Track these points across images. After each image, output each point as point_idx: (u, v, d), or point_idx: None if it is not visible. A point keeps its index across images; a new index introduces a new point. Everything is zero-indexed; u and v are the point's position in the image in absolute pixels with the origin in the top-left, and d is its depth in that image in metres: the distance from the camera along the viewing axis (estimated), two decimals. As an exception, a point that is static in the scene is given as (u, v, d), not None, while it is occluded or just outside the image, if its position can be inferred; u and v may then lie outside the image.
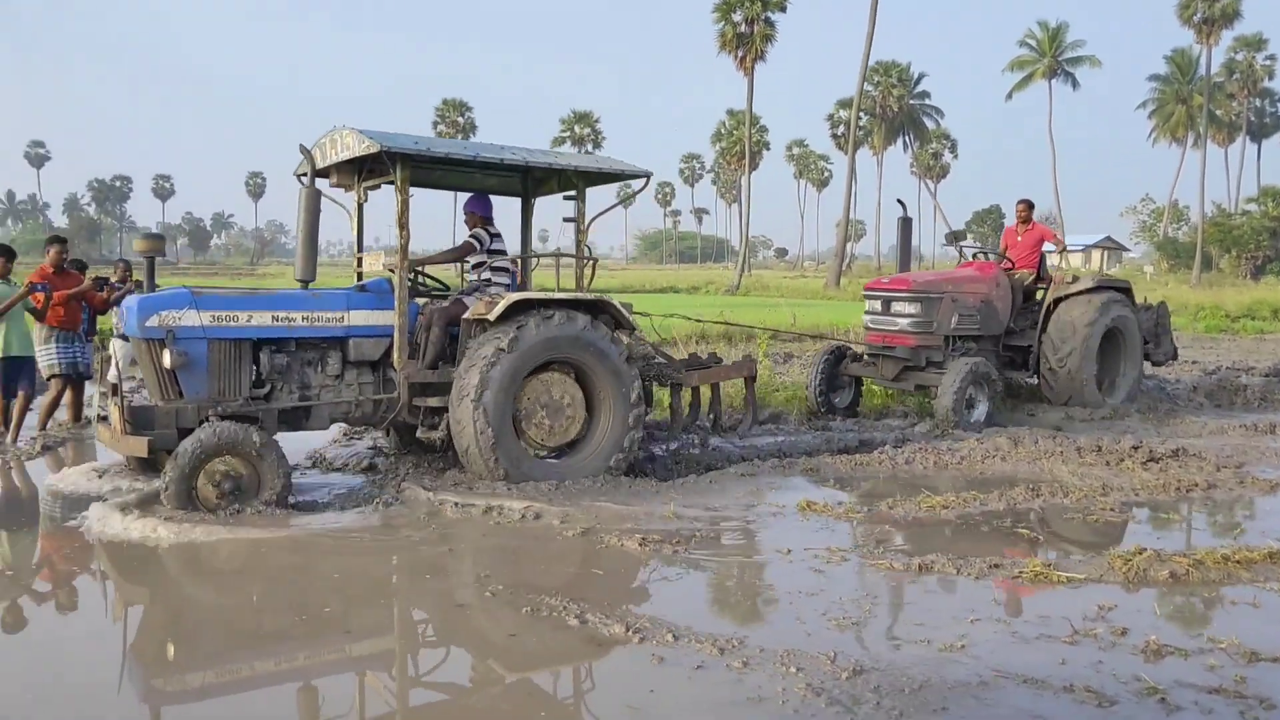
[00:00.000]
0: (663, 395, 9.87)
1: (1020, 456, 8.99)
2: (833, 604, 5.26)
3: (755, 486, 7.96)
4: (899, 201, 12.87)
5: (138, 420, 6.94)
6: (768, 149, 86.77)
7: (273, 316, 7.35)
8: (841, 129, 77.19)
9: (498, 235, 8.56)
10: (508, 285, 8.46)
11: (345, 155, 7.66)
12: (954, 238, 13.16)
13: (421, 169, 8.14)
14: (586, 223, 8.46)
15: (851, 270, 60.62)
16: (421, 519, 6.86)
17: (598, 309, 8.08)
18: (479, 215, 8.59)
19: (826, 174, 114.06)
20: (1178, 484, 7.98)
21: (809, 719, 3.91)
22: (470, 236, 8.47)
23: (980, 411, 10.55)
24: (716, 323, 17.57)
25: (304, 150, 7.69)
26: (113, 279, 11.36)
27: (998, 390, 10.79)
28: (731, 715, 3.99)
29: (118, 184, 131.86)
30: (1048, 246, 12.48)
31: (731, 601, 5.58)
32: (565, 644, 4.77)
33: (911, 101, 79.36)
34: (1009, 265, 12.13)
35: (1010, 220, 12.73)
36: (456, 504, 7.07)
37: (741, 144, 70.48)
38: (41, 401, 10.17)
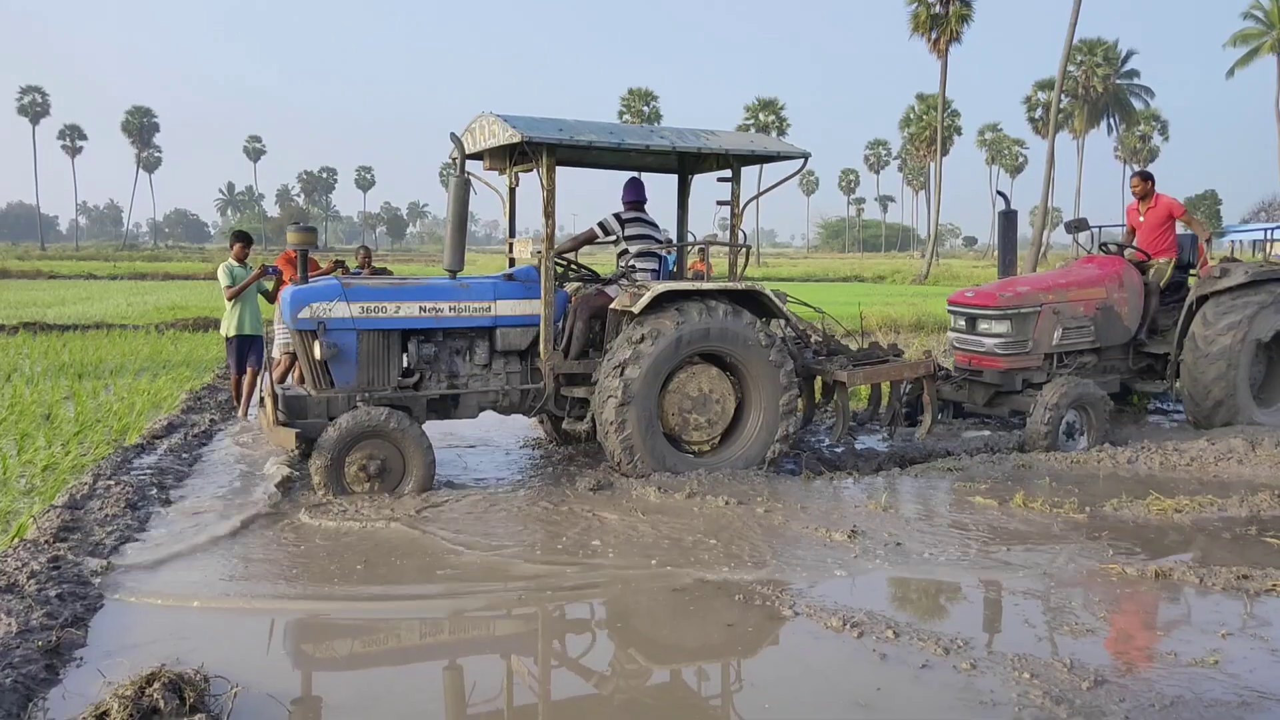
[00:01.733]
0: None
1: (1259, 460, 8.25)
2: (1062, 608, 4.96)
3: (960, 482, 7.64)
4: (1000, 194, 11.44)
5: (291, 409, 7.12)
6: (959, 134, 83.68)
7: (420, 307, 7.39)
8: (1040, 112, 73.50)
9: (637, 220, 8.22)
10: (655, 272, 8.26)
11: (492, 142, 7.59)
12: (1075, 226, 10.91)
13: (576, 153, 7.98)
14: (741, 206, 8.12)
15: (1047, 259, 57.69)
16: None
17: (748, 299, 7.86)
18: (627, 199, 8.37)
19: (1021, 159, 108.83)
20: None
21: (1050, 729, 3.69)
22: (597, 224, 8.26)
23: (1085, 441, 9.00)
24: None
25: (454, 138, 7.62)
26: (352, 265, 11.84)
27: (1107, 413, 9.11)
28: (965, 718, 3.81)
29: (324, 175, 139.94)
30: (1182, 228, 10.27)
31: (951, 600, 5.34)
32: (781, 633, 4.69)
33: (1118, 81, 74.66)
34: (1141, 255, 10.16)
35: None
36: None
37: (931, 129, 68.29)
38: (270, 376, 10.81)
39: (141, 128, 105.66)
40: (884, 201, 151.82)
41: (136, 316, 21.10)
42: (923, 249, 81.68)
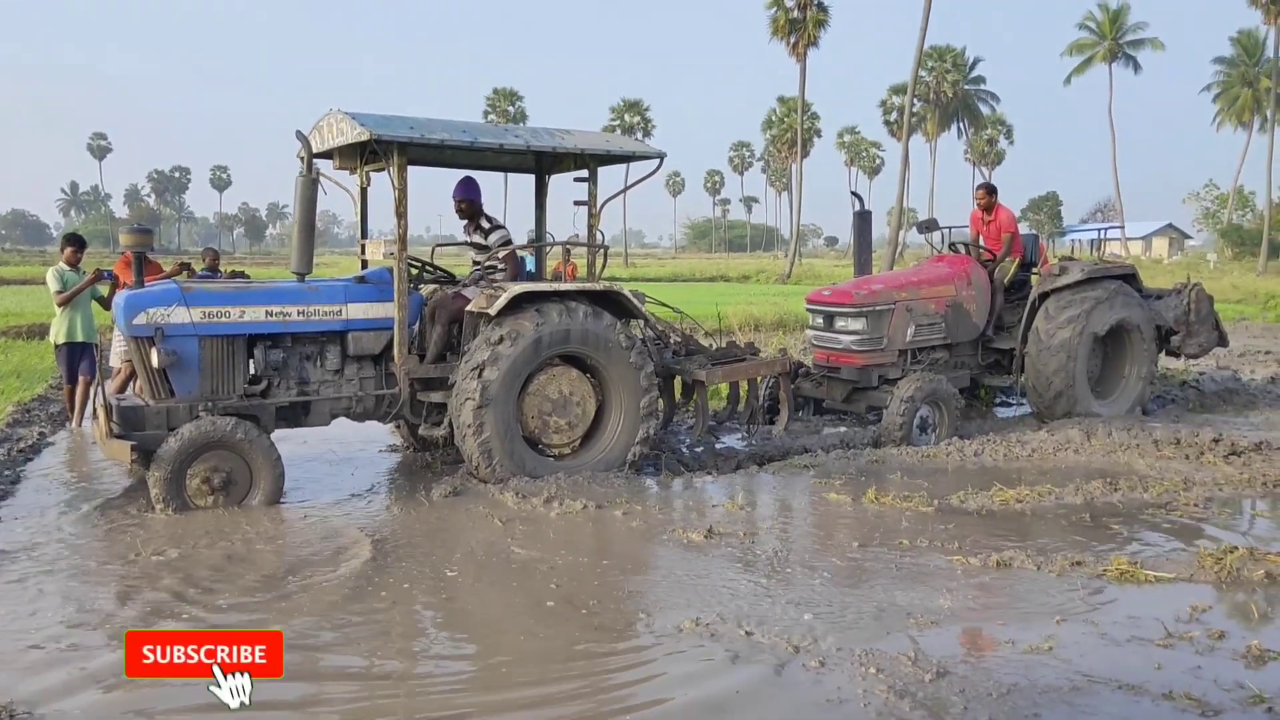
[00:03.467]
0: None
1: (1094, 449, 8.69)
2: (911, 601, 5.07)
3: (816, 479, 7.78)
4: (854, 194, 11.52)
5: (127, 421, 6.72)
6: (819, 136, 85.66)
7: (266, 311, 7.09)
8: (895, 115, 76.07)
9: (499, 226, 8.16)
10: (514, 275, 8.14)
11: (341, 140, 7.34)
12: (926, 227, 11.16)
13: (429, 151, 7.82)
14: (598, 206, 8.03)
15: (904, 258, 59.74)
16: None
17: (608, 300, 7.83)
18: (469, 201, 8.15)
19: (878, 161, 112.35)
20: (1264, 479, 7.65)
21: (894, 723, 3.75)
22: (502, 241, 8.07)
23: (938, 435, 9.28)
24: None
25: (300, 135, 7.31)
26: (199, 267, 11.31)
27: (958, 409, 9.47)
28: (814, 718, 3.84)
29: (176, 175, 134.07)
30: (1025, 228, 10.70)
31: (802, 599, 5.38)
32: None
33: (966, 87, 78.00)
34: (988, 255, 10.54)
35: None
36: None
37: (792, 131, 69.69)
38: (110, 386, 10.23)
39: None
40: (748, 202, 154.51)
41: (-37, 325, 19.66)
42: (786, 249, 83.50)
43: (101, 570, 5.57)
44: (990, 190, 10.69)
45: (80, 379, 9.65)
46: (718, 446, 9.07)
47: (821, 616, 4.87)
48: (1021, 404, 11.35)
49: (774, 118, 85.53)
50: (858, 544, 6.09)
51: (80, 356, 9.65)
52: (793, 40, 52.35)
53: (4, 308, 24.14)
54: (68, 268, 9.65)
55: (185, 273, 10.01)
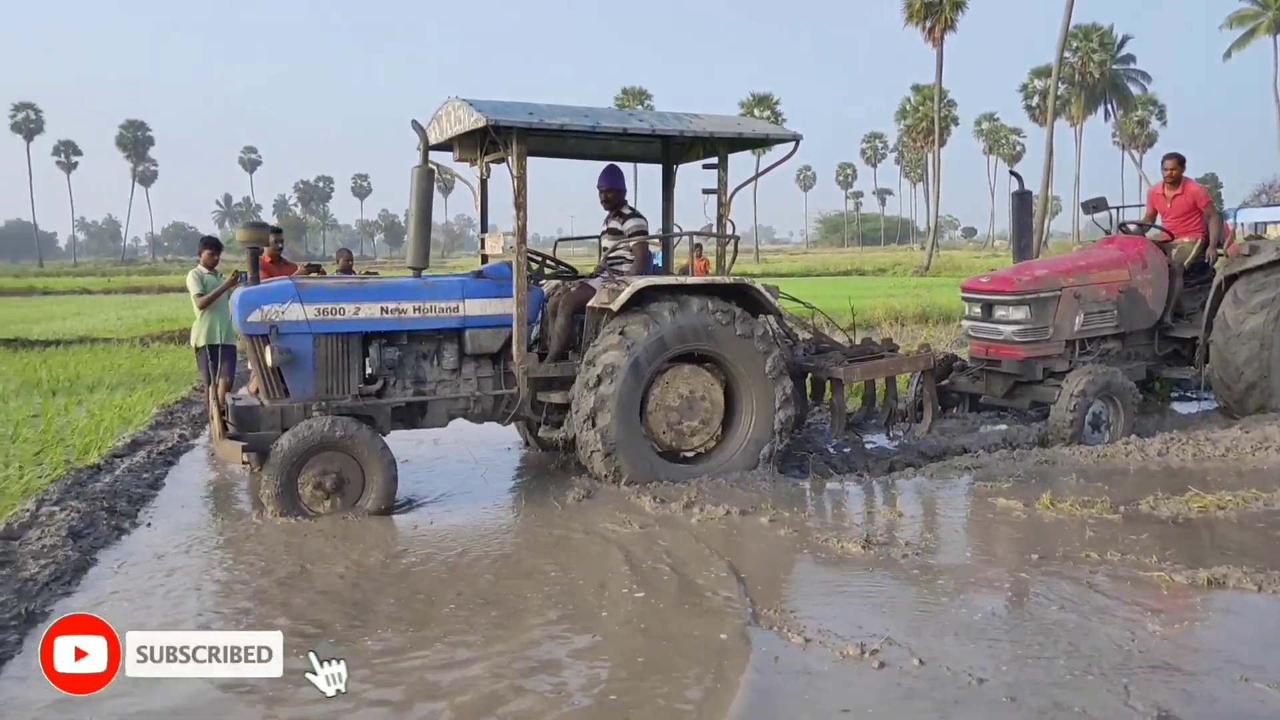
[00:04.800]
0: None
1: (1300, 448, 7.71)
2: (1112, 630, 4.40)
3: (980, 481, 7.10)
4: (1013, 173, 10.69)
5: (241, 421, 6.53)
6: (955, 124, 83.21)
7: (382, 308, 6.83)
8: (1036, 99, 73.03)
9: (637, 215, 7.77)
10: (640, 267, 7.70)
11: (459, 129, 7.02)
12: (1092, 206, 10.24)
13: (550, 140, 7.48)
14: (728, 195, 7.57)
15: (1048, 247, 57.18)
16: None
17: (738, 294, 7.32)
18: (615, 190, 7.81)
19: (1018, 148, 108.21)
20: None
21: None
22: (637, 231, 7.68)
23: (1112, 433, 8.46)
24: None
25: (416, 125, 6.99)
26: (332, 270, 11.35)
27: (1134, 404, 8.62)
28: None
29: (320, 184, 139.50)
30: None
31: (980, 622, 4.74)
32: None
33: (1115, 67, 74.14)
34: (1165, 236, 9.65)
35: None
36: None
37: (928, 120, 67.71)
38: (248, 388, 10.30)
39: (136, 141, 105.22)
40: (882, 195, 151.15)
41: (124, 330, 20.53)
42: (922, 241, 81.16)
43: (231, 581, 5.37)
44: (1180, 161, 9.53)
45: (220, 381, 9.70)
46: (868, 447, 8.46)
47: (1004, 644, 4.24)
48: (1204, 398, 10.30)
49: (908, 106, 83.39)
50: (1036, 556, 5.42)
51: (220, 358, 9.70)
52: (928, 25, 50.70)
53: (162, 313, 25.25)
54: (206, 270, 9.70)
55: (315, 274, 10.00)
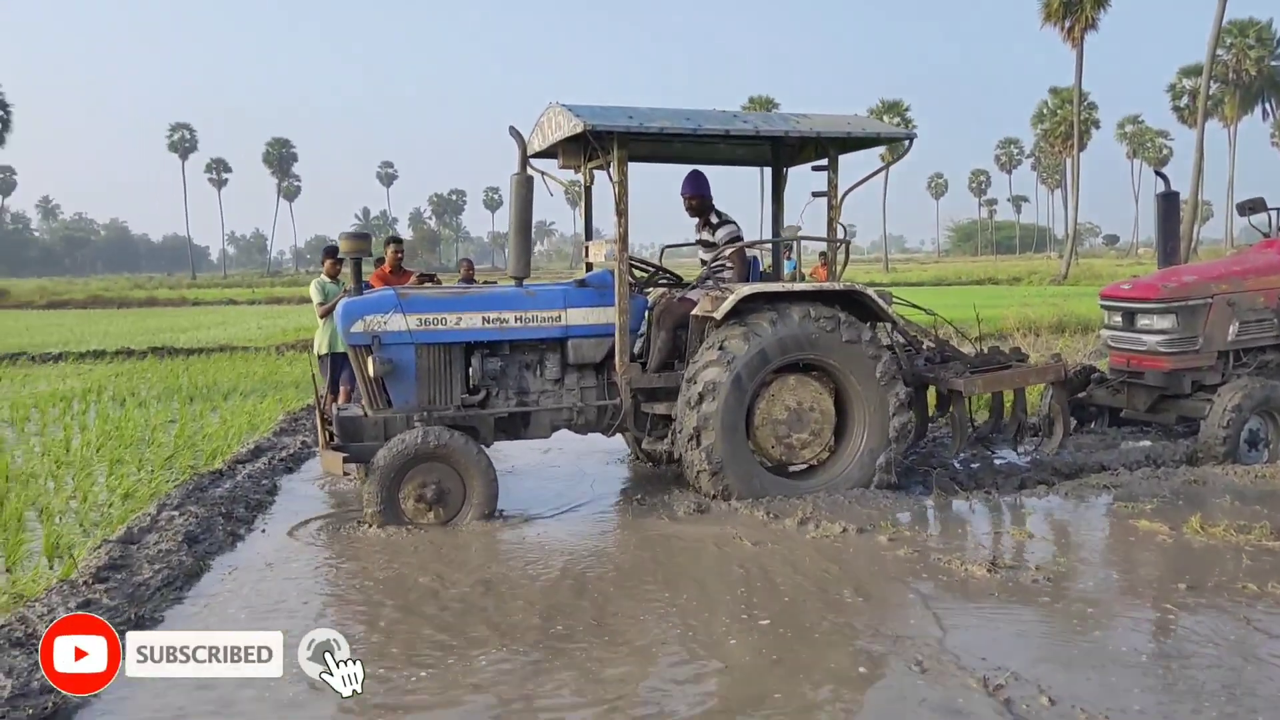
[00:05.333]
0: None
1: None
2: (1278, 669, 3.95)
3: (1120, 502, 6.59)
4: (1159, 173, 10.01)
5: (345, 431, 6.57)
6: (1096, 127, 79.63)
7: (483, 318, 6.79)
8: (1186, 100, 69.40)
9: (728, 222, 7.57)
10: (743, 275, 7.47)
11: (559, 135, 6.91)
12: (1249, 208, 9.45)
13: (653, 145, 7.29)
14: (839, 197, 7.26)
15: (1198, 255, 54.16)
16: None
17: (849, 301, 6.98)
18: (700, 197, 7.60)
19: (1165, 151, 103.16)
20: None
21: None
22: (729, 234, 7.49)
23: (1271, 452, 7.89)
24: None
25: (514, 132, 6.82)
26: (453, 280, 11.46)
27: None
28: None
29: (453, 198, 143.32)
30: None
31: (1120, 658, 4.29)
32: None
33: (1274, 64, 69.83)
34: None
35: None
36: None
37: (1067, 124, 65.09)
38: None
39: (281, 158, 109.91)
40: (1017, 202, 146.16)
41: (262, 339, 21.36)
42: (1060, 249, 78.09)
43: (334, 593, 5.36)
44: None
45: (341, 389, 9.86)
46: (997, 463, 7.99)
47: (1146, 685, 3.85)
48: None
49: (1045, 110, 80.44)
50: (1184, 586, 4.96)
51: (341, 366, 9.85)
52: (1068, 25, 48.66)
53: (299, 323, 26.20)
54: (328, 279, 9.90)
55: (429, 284, 10.07)
